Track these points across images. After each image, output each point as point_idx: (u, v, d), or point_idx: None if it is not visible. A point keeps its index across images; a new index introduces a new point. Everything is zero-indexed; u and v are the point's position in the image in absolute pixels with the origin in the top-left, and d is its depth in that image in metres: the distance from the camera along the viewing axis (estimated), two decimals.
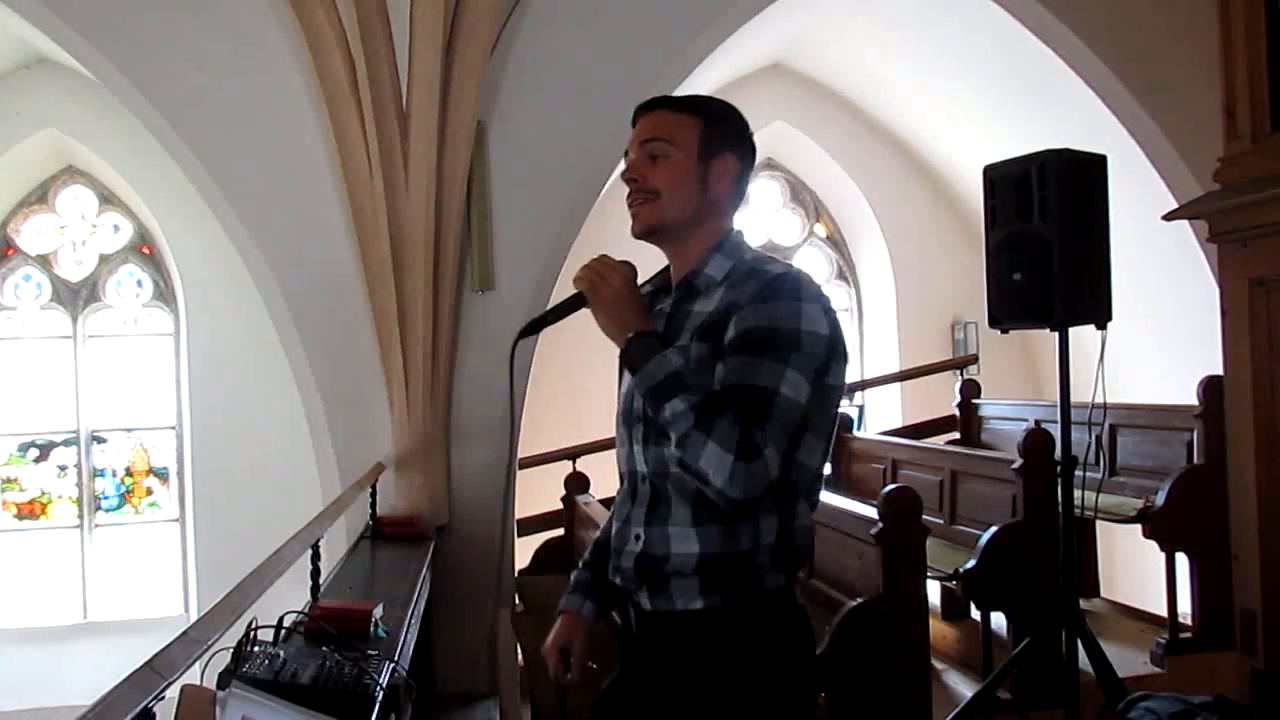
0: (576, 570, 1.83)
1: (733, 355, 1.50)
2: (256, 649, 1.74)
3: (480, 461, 4.09)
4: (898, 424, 6.45)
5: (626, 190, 1.64)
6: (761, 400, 1.44)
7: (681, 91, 4.44)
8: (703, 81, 5.56)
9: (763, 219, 7.45)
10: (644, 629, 1.63)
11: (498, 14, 3.94)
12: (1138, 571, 5.00)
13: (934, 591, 4.14)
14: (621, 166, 1.67)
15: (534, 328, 1.66)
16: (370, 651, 1.96)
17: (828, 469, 1.66)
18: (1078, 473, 3.20)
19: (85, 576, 6.53)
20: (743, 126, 1.69)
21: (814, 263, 7.47)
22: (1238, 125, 3.23)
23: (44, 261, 6.58)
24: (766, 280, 1.54)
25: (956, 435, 5.75)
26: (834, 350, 1.53)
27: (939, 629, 4.09)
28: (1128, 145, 4.70)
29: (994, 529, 3.65)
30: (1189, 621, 3.91)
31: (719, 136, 1.64)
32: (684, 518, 1.54)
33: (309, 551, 2.52)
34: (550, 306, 1.66)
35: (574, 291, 1.60)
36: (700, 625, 1.55)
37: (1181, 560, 3.91)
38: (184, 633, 1.56)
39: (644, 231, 1.64)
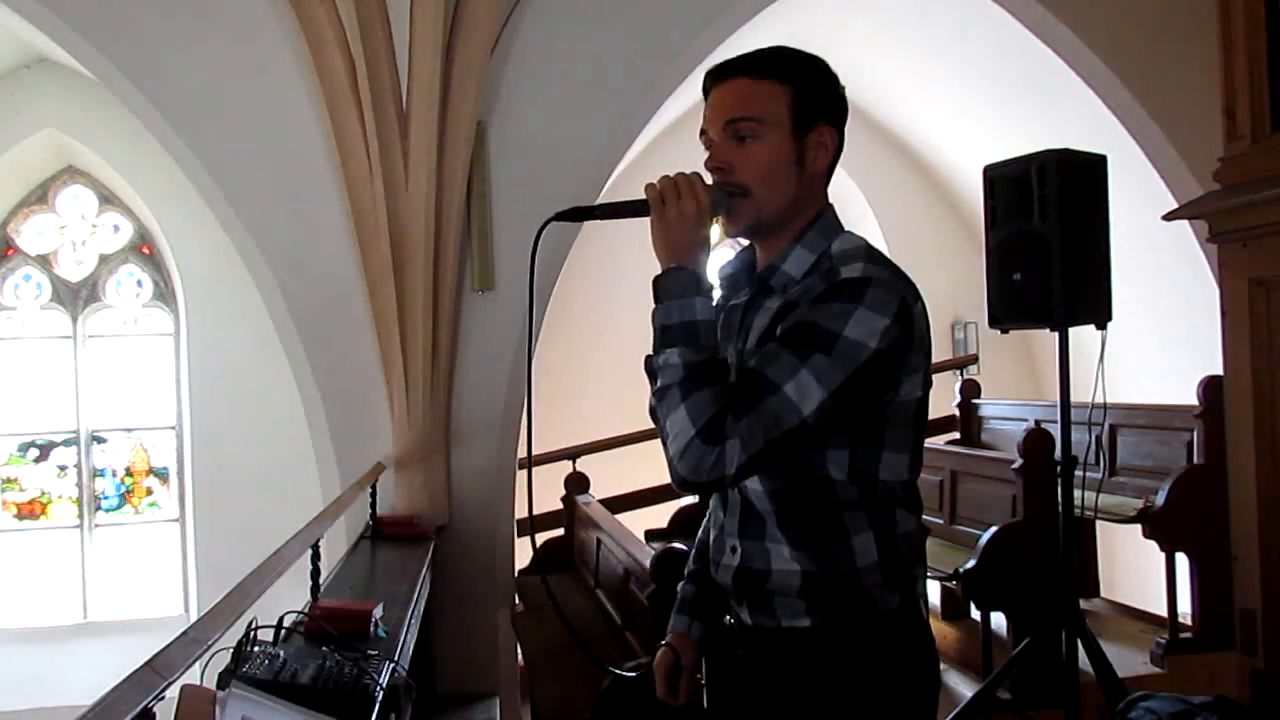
0: (682, 582, 1.66)
1: (767, 345, 1.36)
2: (256, 649, 1.74)
3: (480, 461, 4.09)
4: None
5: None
6: (756, 390, 1.30)
7: (677, 95, 4.45)
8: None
9: None
10: (743, 644, 1.49)
11: (498, 14, 3.94)
12: (1138, 571, 5.00)
13: (934, 591, 4.15)
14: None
15: (577, 214, 1.43)
16: (370, 651, 1.96)
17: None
18: (1078, 473, 3.20)
19: (85, 576, 6.53)
20: (835, 83, 1.45)
21: None
22: (1238, 125, 3.23)
23: (44, 261, 6.59)
24: (833, 281, 1.35)
25: (956, 435, 5.75)
26: (881, 366, 1.32)
27: (939, 629, 4.09)
28: (1128, 145, 4.70)
29: (994, 529, 3.65)
30: (1189, 621, 3.91)
31: (813, 104, 1.41)
32: (779, 535, 1.39)
33: (309, 551, 2.52)
34: (608, 201, 1.47)
35: (641, 196, 1.40)
36: (806, 643, 1.40)
37: (1181, 560, 3.91)
38: (184, 633, 1.56)
39: (736, 234, 1.47)
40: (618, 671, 1.69)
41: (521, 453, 4.31)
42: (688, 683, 1.58)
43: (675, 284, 1.35)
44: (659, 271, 1.38)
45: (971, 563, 3.61)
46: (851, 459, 1.37)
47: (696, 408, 1.29)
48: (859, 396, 1.33)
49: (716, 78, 1.44)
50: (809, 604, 1.39)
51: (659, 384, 1.34)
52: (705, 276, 1.38)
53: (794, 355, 1.30)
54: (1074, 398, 3.17)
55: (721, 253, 1.44)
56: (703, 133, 1.45)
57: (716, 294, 1.54)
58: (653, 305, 1.38)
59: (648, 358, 1.36)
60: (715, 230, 1.47)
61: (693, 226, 1.36)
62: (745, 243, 1.54)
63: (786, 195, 1.41)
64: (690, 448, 1.29)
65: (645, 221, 1.41)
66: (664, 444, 1.33)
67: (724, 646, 1.54)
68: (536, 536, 5.49)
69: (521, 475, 4.32)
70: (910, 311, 1.35)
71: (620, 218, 1.44)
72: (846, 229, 1.48)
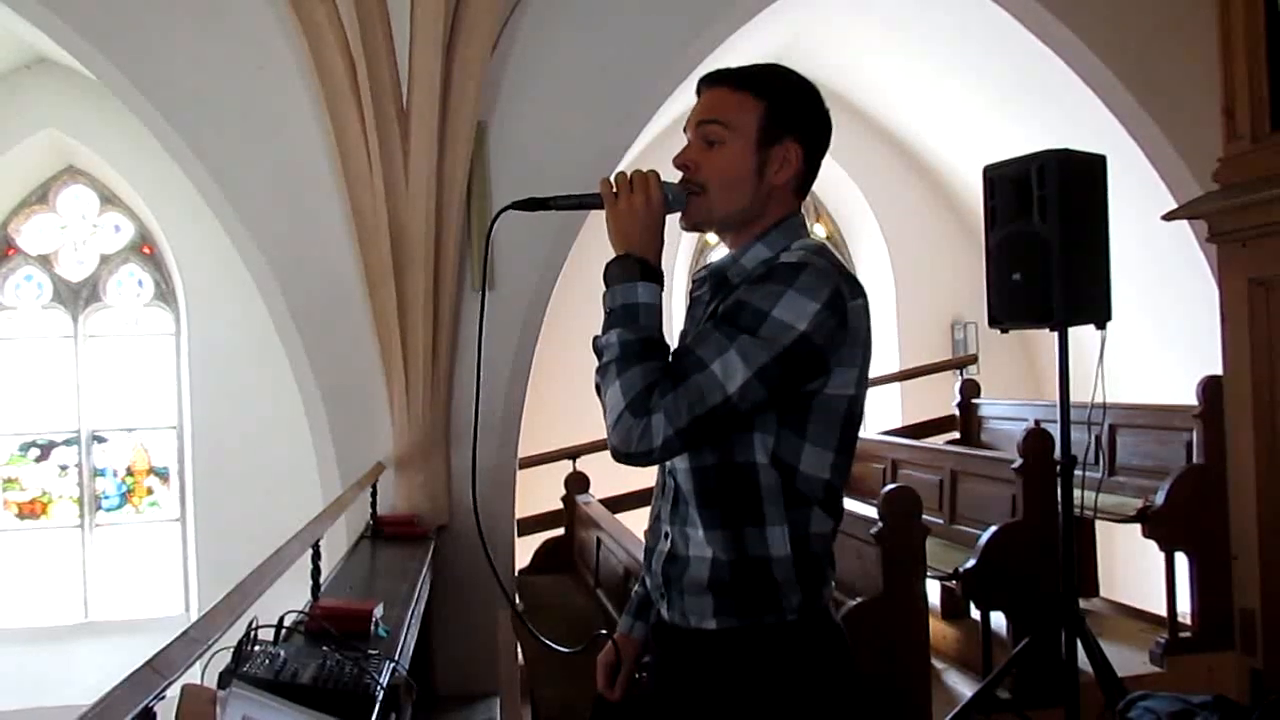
0: (636, 585, 1.73)
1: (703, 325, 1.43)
2: (257, 649, 1.74)
3: (481, 461, 4.08)
4: (897, 424, 6.45)
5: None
6: (683, 367, 1.35)
7: (677, 95, 4.44)
8: None
9: None
10: (659, 642, 1.55)
11: (498, 14, 3.94)
12: (1137, 571, 5.00)
13: (934, 591, 4.15)
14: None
15: (533, 205, 1.49)
16: (370, 651, 1.96)
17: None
18: (1077, 472, 3.20)
19: (86, 576, 6.54)
20: (814, 105, 1.51)
21: None
22: (1238, 125, 3.23)
23: (44, 261, 6.59)
24: (772, 265, 1.41)
25: (956, 435, 5.76)
26: (808, 350, 1.35)
27: (939, 629, 4.10)
28: (1128, 145, 4.70)
29: (994, 529, 3.66)
30: (1188, 621, 3.91)
31: (784, 120, 1.47)
32: (697, 519, 1.44)
33: (309, 551, 2.52)
34: (564, 194, 1.54)
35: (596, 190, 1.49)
36: (712, 647, 1.44)
37: (1181, 560, 3.91)
38: (184, 633, 1.56)
39: (690, 228, 1.54)
40: (557, 648, 1.72)
41: (523, 452, 4.32)
42: (624, 680, 1.67)
43: (621, 270, 1.43)
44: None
45: (971, 562, 3.61)
46: (775, 445, 1.40)
47: (628, 382, 1.36)
48: (785, 379, 1.36)
49: (705, 83, 1.52)
50: (716, 602, 1.43)
51: (601, 361, 1.41)
52: (654, 265, 1.44)
53: (723, 335, 1.36)
54: (1074, 398, 3.17)
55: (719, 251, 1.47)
56: (684, 130, 1.53)
57: (682, 287, 1.59)
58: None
59: (595, 338, 1.43)
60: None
61: (642, 218, 1.44)
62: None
63: (740, 200, 1.48)
64: (621, 420, 1.36)
65: None
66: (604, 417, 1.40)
67: (654, 648, 1.60)
68: (536, 537, 5.47)
69: (522, 475, 4.33)
70: (844, 301, 1.38)
71: (576, 209, 1.54)
72: (812, 237, 1.53)
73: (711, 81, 1.51)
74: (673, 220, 1.51)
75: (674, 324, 1.81)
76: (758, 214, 1.49)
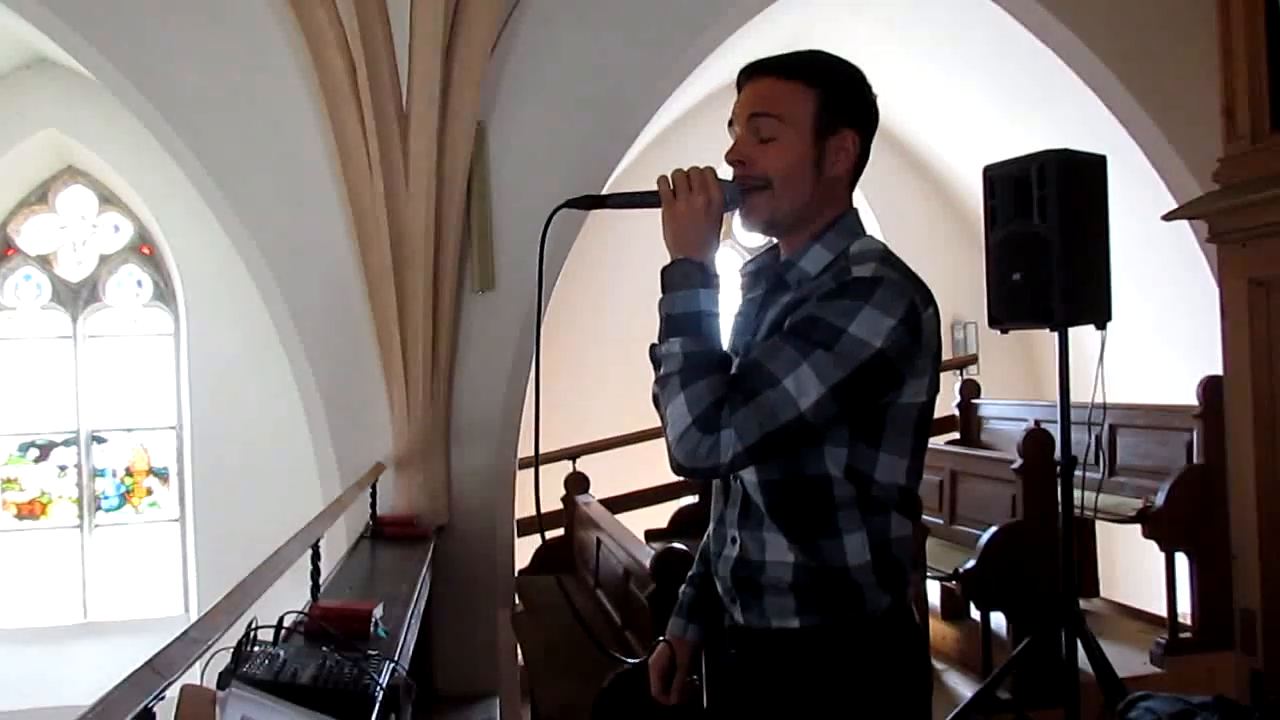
0: (684, 585, 1.68)
1: (772, 338, 1.38)
2: (256, 649, 1.74)
3: (480, 461, 4.10)
4: None
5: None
6: (755, 383, 1.31)
7: (677, 94, 4.45)
8: (703, 83, 5.56)
9: None
10: (735, 645, 1.49)
11: (498, 14, 3.94)
12: (1138, 571, 5.00)
13: (934, 591, 4.15)
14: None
15: (590, 202, 1.45)
16: (370, 651, 1.95)
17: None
18: (1077, 473, 3.20)
19: (85, 576, 6.53)
20: (865, 91, 1.46)
21: None
22: (1238, 125, 3.23)
23: (44, 261, 6.59)
24: (844, 279, 1.35)
25: (956, 435, 5.75)
26: (884, 367, 1.32)
27: (939, 629, 4.10)
28: (1128, 145, 4.70)
29: (994, 529, 3.66)
30: (1189, 621, 3.91)
31: (838, 109, 1.42)
32: (772, 525, 1.40)
33: (309, 551, 2.52)
34: (620, 191, 1.49)
35: (654, 187, 1.43)
36: (796, 646, 1.40)
37: (1181, 560, 3.91)
38: (184, 633, 1.56)
39: (758, 228, 1.48)
40: (620, 658, 1.70)
41: (523, 452, 4.32)
42: (680, 683, 1.62)
43: (681, 275, 1.38)
44: (667, 262, 1.40)
45: (971, 563, 3.61)
46: (849, 457, 1.37)
47: (694, 396, 1.32)
48: (859, 395, 1.33)
49: (749, 73, 1.46)
50: (799, 601, 1.40)
51: (661, 372, 1.36)
52: (713, 269, 1.39)
53: (796, 350, 1.31)
54: (1074, 398, 3.17)
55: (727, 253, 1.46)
56: (730, 124, 1.47)
57: (738, 290, 1.56)
58: (658, 298, 1.40)
59: (652, 346, 1.39)
60: (737, 224, 1.48)
61: (701, 220, 1.38)
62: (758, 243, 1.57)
63: (802, 195, 1.43)
64: (687, 435, 1.31)
65: (647, 222, 1.41)
66: (664, 430, 1.35)
67: (720, 648, 1.54)
68: (536, 537, 5.48)
69: (522, 475, 4.33)
70: (919, 315, 1.35)
71: (631, 208, 1.47)
72: (868, 234, 1.48)
73: (757, 71, 1.45)
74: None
75: None
76: (816, 210, 1.44)
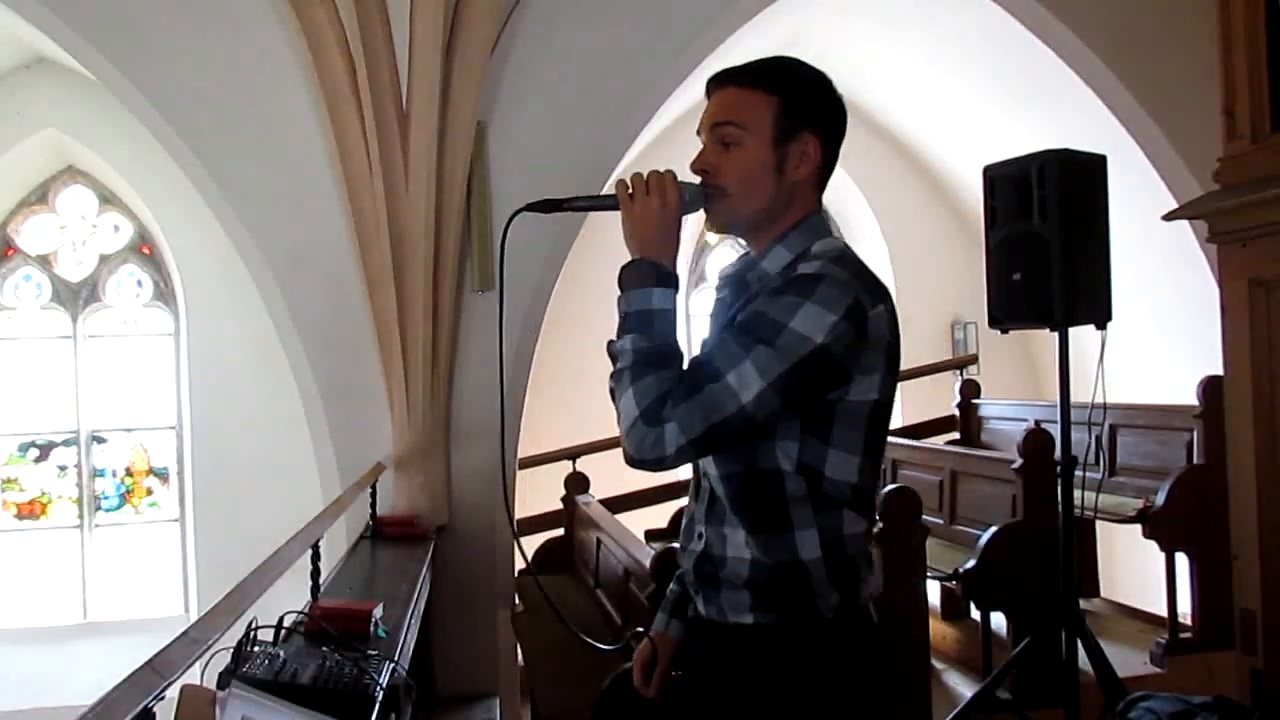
0: (672, 582, 1.72)
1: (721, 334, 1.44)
2: (256, 649, 1.74)
3: (480, 461, 4.09)
4: (897, 424, 6.45)
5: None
6: (698, 378, 1.35)
7: (677, 95, 4.44)
8: (703, 83, 5.56)
9: None
10: (698, 638, 1.54)
11: (498, 14, 3.94)
12: (1138, 571, 5.00)
13: (934, 591, 4.14)
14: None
15: (548, 206, 1.48)
16: (370, 651, 1.96)
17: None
18: (1078, 473, 3.20)
19: (85, 576, 6.53)
20: (827, 97, 1.49)
21: None
22: (1238, 125, 3.23)
23: (44, 261, 6.59)
24: (790, 276, 1.40)
25: (956, 435, 5.76)
26: (827, 362, 1.34)
27: (939, 629, 4.10)
28: (1128, 145, 4.70)
29: (994, 529, 3.66)
30: (1189, 621, 3.91)
31: (799, 114, 1.45)
32: (735, 520, 1.44)
33: (309, 551, 2.52)
34: (580, 195, 1.55)
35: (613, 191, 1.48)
36: (749, 642, 1.44)
37: (1181, 560, 3.91)
38: (184, 633, 1.56)
39: (717, 230, 1.54)
40: (598, 645, 1.72)
41: (523, 452, 4.32)
42: (660, 678, 1.65)
43: (636, 274, 1.44)
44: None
45: (971, 563, 3.61)
46: (800, 452, 1.40)
47: (642, 390, 1.37)
48: (803, 390, 1.36)
49: (715, 83, 1.51)
50: (754, 598, 1.43)
51: (615, 367, 1.42)
52: (669, 268, 1.44)
53: (739, 345, 1.35)
54: (1074, 398, 3.17)
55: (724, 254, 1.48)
56: (698, 133, 1.51)
57: (711, 292, 1.58)
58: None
59: (609, 342, 1.44)
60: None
61: (658, 222, 1.43)
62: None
63: (763, 199, 1.46)
64: (635, 428, 1.36)
65: None
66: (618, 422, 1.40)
67: (692, 643, 1.59)
68: (537, 537, 5.47)
69: (522, 475, 4.33)
70: (864, 312, 1.37)
71: (591, 210, 1.54)
72: (835, 235, 1.51)
73: (720, 81, 1.49)
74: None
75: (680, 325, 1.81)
76: (780, 213, 1.47)
